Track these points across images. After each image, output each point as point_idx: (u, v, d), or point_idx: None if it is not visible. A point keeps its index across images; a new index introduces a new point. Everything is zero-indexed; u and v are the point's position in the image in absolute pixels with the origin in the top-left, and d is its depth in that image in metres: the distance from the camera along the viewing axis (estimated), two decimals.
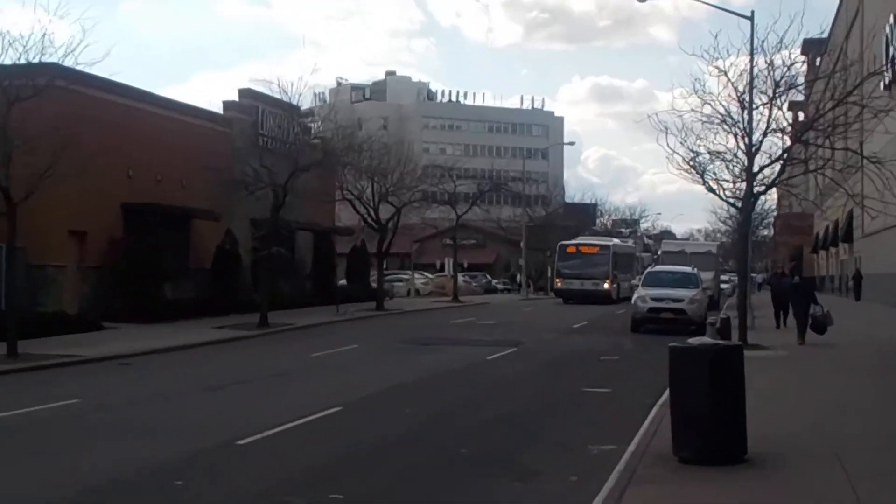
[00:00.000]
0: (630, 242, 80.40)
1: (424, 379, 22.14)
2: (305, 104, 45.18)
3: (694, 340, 12.33)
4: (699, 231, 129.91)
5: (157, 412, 17.31)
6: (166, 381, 22.06)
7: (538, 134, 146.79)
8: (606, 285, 59.84)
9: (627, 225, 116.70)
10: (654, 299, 35.29)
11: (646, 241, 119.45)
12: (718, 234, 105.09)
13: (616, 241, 70.86)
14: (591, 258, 60.54)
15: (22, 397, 19.35)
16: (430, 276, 76.99)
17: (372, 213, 51.89)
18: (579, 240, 65.62)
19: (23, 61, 25.91)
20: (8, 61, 26.04)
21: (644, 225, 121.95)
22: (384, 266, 53.51)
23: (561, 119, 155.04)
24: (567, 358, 27.15)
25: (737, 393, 12.15)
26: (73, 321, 32.89)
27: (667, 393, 14.02)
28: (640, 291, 36.52)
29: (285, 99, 41.10)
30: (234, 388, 20.51)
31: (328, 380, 22.19)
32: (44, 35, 25.79)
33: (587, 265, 60.21)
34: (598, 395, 19.50)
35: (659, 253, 71.20)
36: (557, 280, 62.17)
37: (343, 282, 58.13)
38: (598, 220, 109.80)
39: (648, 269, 43.38)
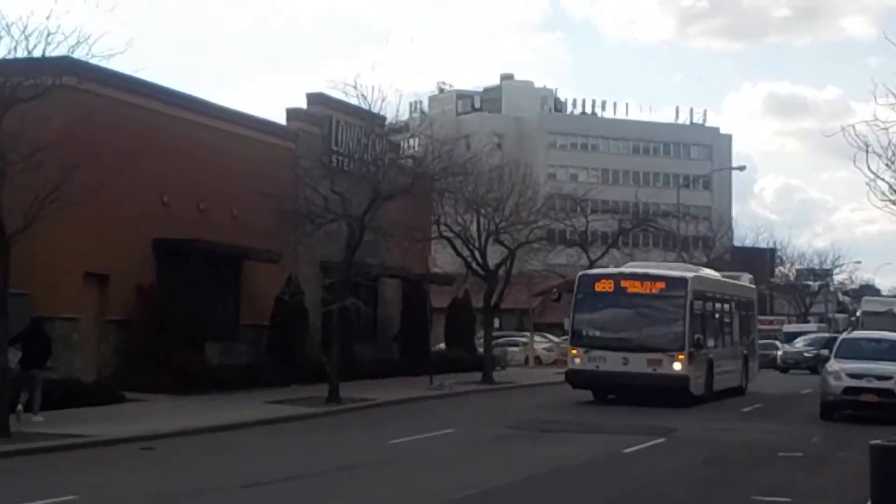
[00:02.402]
0: (745, 281, 51.90)
1: (537, 480, 21.54)
2: (397, 115, 44.67)
3: None
4: None
5: None
6: (195, 473, 21.65)
7: (698, 157, 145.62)
8: (678, 365, 38.02)
9: (816, 276, 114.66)
10: (852, 376, 34.46)
11: (841, 298, 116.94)
12: None
13: (706, 271, 48.37)
14: (646, 305, 39.45)
15: (5, 489, 19.04)
16: (556, 339, 76.07)
17: (478, 255, 51.27)
18: (621, 269, 44.17)
19: (21, 54, 25.79)
20: (3, 54, 26.00)
21: (839, 277, 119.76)
22: (494, 325, 52.78)
23: (728, 137, 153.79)
24: (733, 453, 26.50)
25: None
26: (87, 390, 32.74)
27: None
28: (833, 365, 35.46)
29: (366, 106, 40.71)
30: (280, 486, 19.92)
31: (406, 477, 21.57)
32: (48, 17, 25.54)
33: (636, 321, 39.32)
34: None
35: (858, 314, 69.24)
36: (573, 351, 39.83)
37: (441, 345, 57.50)
38: (776, 269, 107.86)
39: (844, 336, 42.03)
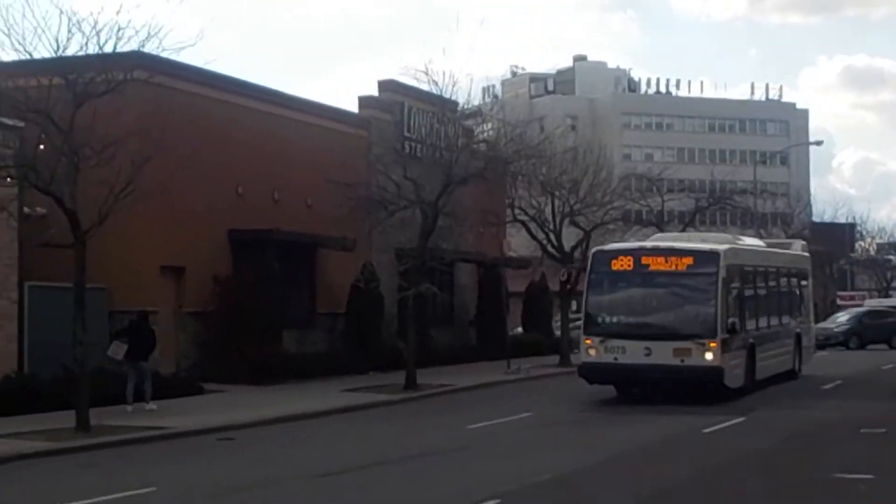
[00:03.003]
0: (797, 248, 46.13)
1: (615, 461, 21.44)
2: (469, 99, 44.53)
3: None
4: None
5: None
6: (272, 462, 21.65)
7: (775, 132, 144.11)
8: (710, 355, 31.98)
9: None
10: None
11: None
12: None
13: (746, 240, 42.47)
14: (672, 285, 33.41)
15: (85, 483, 19.23)
16: None
17: (553, 238, 51.04)
18: (642, 243, 37.89)
19: (93, 50, 25.96)
20: (75, 50, 26.15)
21: None
22: (572, 308, 52.48)
23: (805, 112, 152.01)
24: (814, 431, 26.30)
25: None
26: (166, 383, 32.88)
27: None
28: None
29: (437, 92, 40.58)
30: (354, 476, 19.90)
31: (484, 462, 21.44)
32: (118, 12, 25.68)
33: (661, 304, 33.50)
34: (857, 485, 18.51)
35: None
36: (587, 341, 33.65)
37: (518, 329, 57.34)
38: (857, 245, 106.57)
39: None
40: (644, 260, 33.13)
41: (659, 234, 42.08)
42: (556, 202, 50.95)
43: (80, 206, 25.42)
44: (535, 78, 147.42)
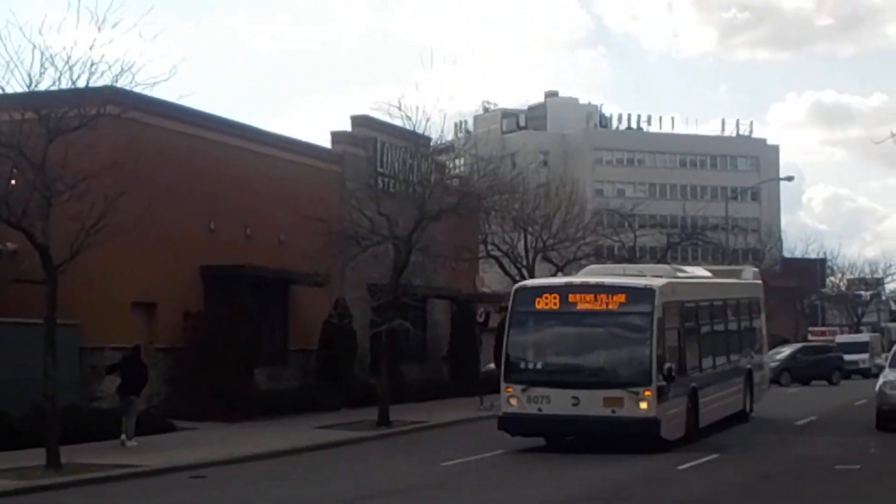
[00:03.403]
0: (748, 276, 42.13)
1: (593, 499, 21.40)
2: (441, 134, 44.55)
3: None
4: None
5: None
6: (245, 501, 21.39)
7: (745, 168, 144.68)
8: (644, 405, 28.41)
9: (867, 286, 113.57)
10: None
11: (893, 307, 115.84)
12: None
13: (689, 271, 37.94)
14: (602, 326, 29.84)
15: None
16: None
17: (526, 274, 50.96)
18: (570, 278, 34.75)
19: (66, 85, 25.86)
20: (48, 85, 26.04)
21: (890, 286, 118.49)
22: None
23: (775, 149, 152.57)
24: (789, 468, 26.13)
25: None
26: (137, 419, 32.60)
27: None
28: (889, 375, 34.80)
29: (410, 127, 40.56)
30: None
31: (456, 500, 21.30)
32: (91, 47, 25.60)
33: (590, 348, 30.07)
34: None
35: None
36: (507, 389, 29.65)
37: (491, 365, 57.17)
38: (828, 280, 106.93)
39: None
40: (571, 297, 29.46)
41: (591, 267, 37.53)
42: (529, 238, 50.97)
43: (52, 241, 25.30)
44: (507, 114, 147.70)
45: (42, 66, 25.87)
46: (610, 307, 29.19)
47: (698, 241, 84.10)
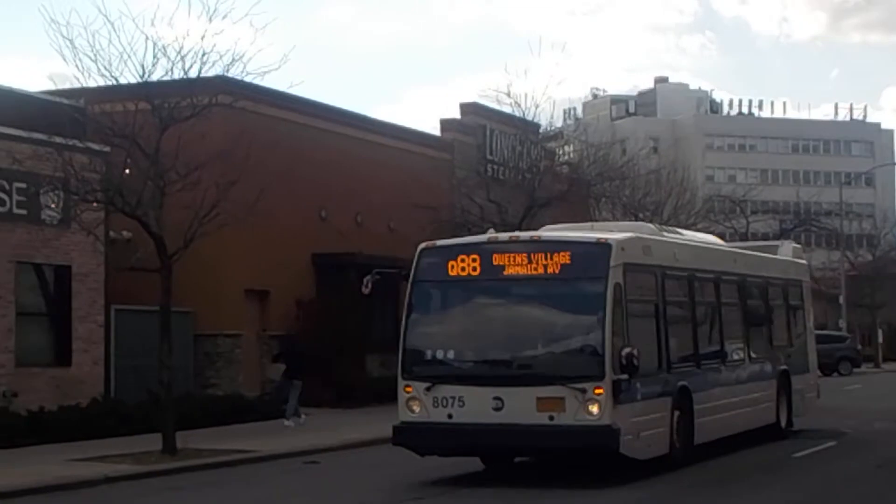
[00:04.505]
0: (785, 252, 32.02)
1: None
2: (550, 121, 44.54)
3: None
4: None
5: None
6: (359, 486, 21.45)
7: (859, 153, 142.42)
8: (595, 408, 20.14)
9: None
10: None
11: None
12: None
13: (684, 233, 28.86)
14: (537, 299, 21.73)
15: None
16: None
17: None
18: (496, 234, 24.72)
19: (178, 75, 26.12)
20: (160, 76, 26.34)
21: None
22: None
23: (889, 133, 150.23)
24: None
25: None
26: (250, 406, 32.93)
27: None
28: None
29: (519, 114, 40.47)
30: (441, 499, 19.61)
31: None
32: (203, 37, 25.82)
33: (519, 329, 21.65)
34: None
35: None
36: (406, 389, 21.55)
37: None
38: None
39: None
40: (497, 259, 21.26)
41: (549, 226, 27.04)
42: None
43: (165, 230, 25.53)
44: (616, 100, 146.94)
45: (155, 56, 26.12)
46: (550, 271, 20.88)
47: (812, 227, 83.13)
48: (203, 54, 26.13)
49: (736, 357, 26.48)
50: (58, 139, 26.42)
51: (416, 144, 44.38)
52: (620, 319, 20.48)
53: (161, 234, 25.51)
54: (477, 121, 46.78)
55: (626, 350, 20.04)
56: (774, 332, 29.28)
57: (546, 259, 20.94)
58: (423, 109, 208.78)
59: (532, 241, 21.86)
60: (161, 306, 25.87)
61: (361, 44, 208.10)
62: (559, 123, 55.04)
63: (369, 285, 24.79)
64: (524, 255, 21.11)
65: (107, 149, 27.31)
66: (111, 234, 30.95)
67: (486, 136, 46.71)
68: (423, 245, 22.21)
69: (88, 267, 31.29)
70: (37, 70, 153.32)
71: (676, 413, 22.24)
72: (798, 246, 33.81)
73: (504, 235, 23.64)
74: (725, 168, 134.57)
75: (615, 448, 20.02)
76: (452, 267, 21.36)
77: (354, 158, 40.28)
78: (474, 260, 21.33)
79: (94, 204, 26.79)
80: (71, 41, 25.75)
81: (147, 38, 26.18)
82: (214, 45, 26.32)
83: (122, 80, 26.54)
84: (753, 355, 27.27)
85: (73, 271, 31.21)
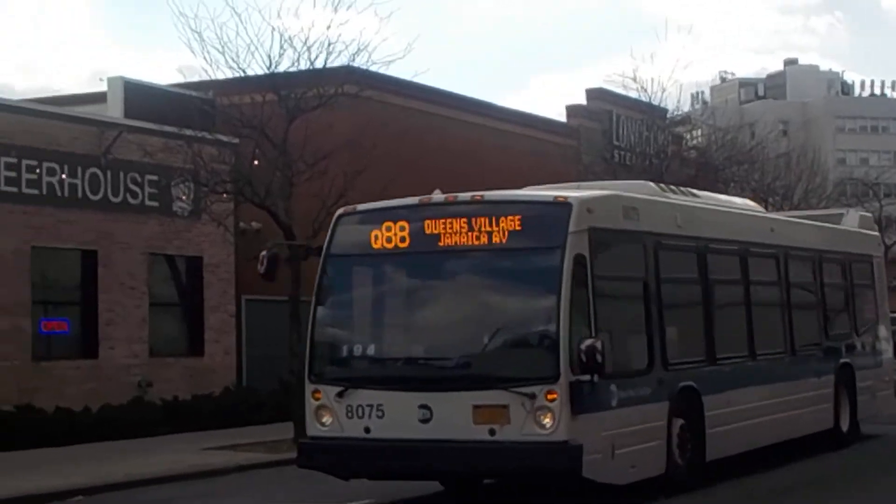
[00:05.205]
0: (850, 221, 26.53)
1: None
2: (678, 106, 44.13)
3: None
4: None
5: None
6: None
7: None
8: (548, 419, 15.20)
9: None
10: None
11: None
12: None
13: (707, 196, 22.97)
14: (479, 274, 16.72)
15: (305, 494, 19.20)
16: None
17: None
18: (433, 195, 18.15)
19: (304, 66, 26.33)
20: (287, 66, 26.57)
21: None
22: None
23: None
24: None
25: None
26: None
27: None
28: None
29: (646, 99, 40.15)
30: None
31: None
32: (328, 28, 26.00)
33: (452, 314, 16.73)
34: None
35: None
36: (315, 393, 16.59)
37: None
38: None
39: None
40: (430, 227, 16.66)
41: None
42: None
43: (294, 219, 25.68)
44: (744, 83, 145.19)
45: (281, 48, 26.47)
46: (495, 241, 16.12)
47: None
48: (329, 44, 26.48)
49: (772, 349, 21.31)
50: (188, 131, 26.81)
51: (542, 131, 44.21)
52: (584, 302, 15.52)
53: (290, 223, 25.67)
54: (603, 107, 46.49)
55: (588, 342, 15.04)
56: (831, 319, 24.00)
57: (491, 225, 16.12)
58: (548, 97, 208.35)
59: (474, 201, 16.80)
60: (290, 296, 26.04)
61: (486, 32, 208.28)
62: (686, 108, 54.54)
63: (264, 262, 18.64)
64: (464, 220, 16.36)
65: (235, 140, 27.62)
66: (241, 224, 31.26)
67: (613, 122, 46.41)
68: (340, 210, 18.02)
69: (219, 257, 31.66)
70: (166, 63, 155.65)
71: (679, 422, 17.41)
72: (868, 215, 29.03)
73: (441, 195, 17.60)
74: (857, 150, 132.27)
75: (575, 470, 15.15)
76: (376, 237, 16.77)
77: (480, 145, 40.18)
78: (402, 228, 16.69)
79: (224, 195, 27.11)
80: (199, 34, 26.17)
81: (273, 29, 26.53)
82: (340, 35, 26.60)
83: (250, 72, 26.94)
84: (800, 346, 22.26)
85: (205, 262, 31.63)
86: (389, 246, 16.65)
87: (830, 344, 23.47)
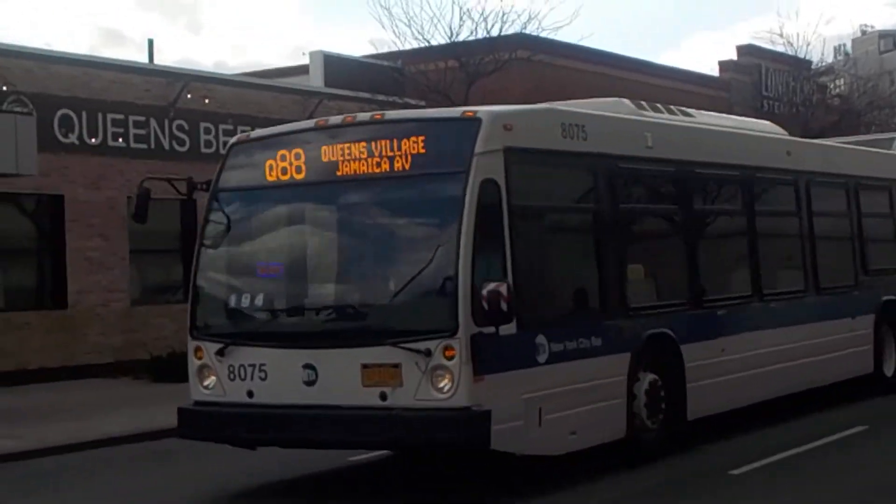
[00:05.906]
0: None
1: None
2: (822, 58, 45.64)
3: None
4: None
5: None
6: None
7: None
8: (444, 380, 12.02)
9: None
10: None
11: None
12: None
13: (711, 115, 20.39)
14: (376, 206, 13.31)
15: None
16: None
17: None
18: (337, 117, 14.20)
19: (481, 35, 28.70)
20: (466, 36, 28.97)
21: None
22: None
23: None
24: None
25: None
26: None
27: None
28: None
29: (791, 53, 41.75)
30: None
31: None
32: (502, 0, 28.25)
33: (339, 254, 13.72)
34: None
35: None
36: (197, 351, 13.50)
37: None
38: None
39: None
40: (327, 154, 13.33)
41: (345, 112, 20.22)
42: None
43: None
44: (883, 34, 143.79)
45: (461, 19, 29.11)
46: (396, 167, 12.84)
47: None
48: (503, 15, 28.90)
49: (788, 288, 18.20)
50: (380, 97, 29.03)
51: (695, 85, 45.33)
52: (496, 238, 12.33)
53: None
54: (752, 61, 47.86)
55: (490, 287, 11.77)
56: (871, 253, 20.56)
57: (392, 149, 12.84)
58: (700, 55, 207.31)
59: (373, 121, 13.46)
60: None
61: None
62: (829, 59, 55.83)
63: (139, 202, 14.48)
64: (363, 144, 13.05)
65: (423, 103, 29.52)
66: None
67: (762, 75, 47.78)
68: (234, 139, 14.71)
69: None
70: (358, 37, 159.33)
71: (648, 377, 14.19)
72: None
73: (337, 118, 14.03)
74: None
75: (479, 442, 12.05)
76: (271, 168, 13.64)
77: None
78: (297, 156, 13.50)
79: None
80: (388, 10, 28.78)
81: (454, 2, 29.03)
82: (513, 6, 29.16)
83: (433, 42, 29.45)
84: (827, 284, 18.98)
85: None
86: (285, 178, 13.49)
87: (870, 280, 20.19)
